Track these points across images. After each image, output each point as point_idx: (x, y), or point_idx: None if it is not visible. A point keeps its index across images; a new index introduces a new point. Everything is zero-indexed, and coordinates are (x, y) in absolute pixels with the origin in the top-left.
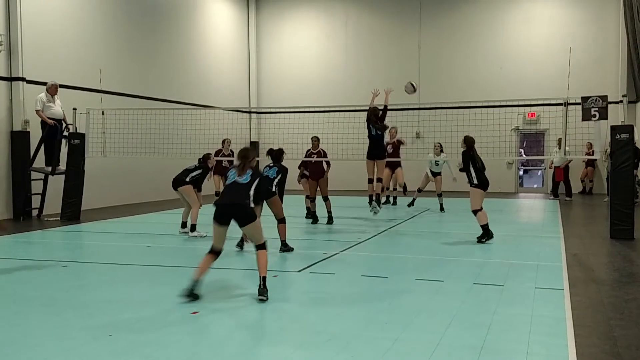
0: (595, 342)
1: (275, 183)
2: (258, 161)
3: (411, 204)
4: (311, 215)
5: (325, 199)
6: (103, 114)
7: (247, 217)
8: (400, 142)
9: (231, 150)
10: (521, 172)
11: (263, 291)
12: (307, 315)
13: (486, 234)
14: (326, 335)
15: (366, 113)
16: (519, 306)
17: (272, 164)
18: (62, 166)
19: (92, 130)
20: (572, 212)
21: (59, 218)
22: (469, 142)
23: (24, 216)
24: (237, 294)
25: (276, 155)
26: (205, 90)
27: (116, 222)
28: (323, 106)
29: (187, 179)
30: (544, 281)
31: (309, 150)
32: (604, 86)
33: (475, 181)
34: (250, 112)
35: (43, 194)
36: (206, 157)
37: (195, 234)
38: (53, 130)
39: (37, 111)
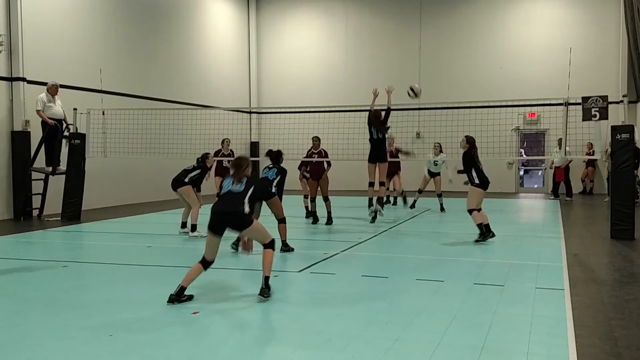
0: (596, 342)
1: (274, 184)
2: (257, 167)
3: (412, 206)
4: (311, 215)
5: (326, 199)
6: (103, 114)
7: (243, 224)
8: (398, 151)
9: (231, 150)
10: (521, 172)
11: (264, 291)
12: (307, 315)
13: (484, 233)
14: (326, 335)
15: (367, 114)
16: (519, 306)
17: (271, 165)
18: (63, 166)
19: (93, 131)
20: (572, 212)
21: (59, 218)
22: (471, 141)
23: (24, 216)
24: (237, 294)
25: (275, 156)
26: (205, 91)
27: (116, 222)
28: (323, 106)
29: (186, 180)
30: (545, 281)
31: (310, 150)
32: (605, 86)
33: (476, 181)
34: (250, 112)
35: (43, 194)
36: (204, 156)
37: (195, 234)
38: (53, 130)
39: (38, 111)
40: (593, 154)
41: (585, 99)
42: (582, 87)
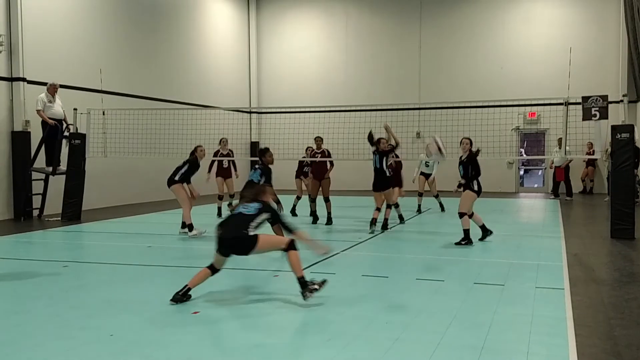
0: (596, 342)
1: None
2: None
3: (419, 210)
4: (311, 214)
5: (327, 200)
6: (104, 114)
7: (247, 248)
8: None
9: (230, 150)
10: (522, 172)
11: (303, 293)
12: (307, 315)
13: (465, 238)
14: (326, 335)
15: (370, 139)
16: (519, 306)
17: (256, 166)
18: (63, 166)
19: (93, 131)
20: (572, 211)
21: (59, 218)
22: (471, 143)
23: (24, 216)
24: (237, 294)
25: (260, 152)
26: (205, 91)
27: (117, 222)
28: (323, 106)
29: (177, 177)
30: (545, 281)
31: (312, 150)
32: (605, 86)
33: (475, 187)
34: (250, 112)
35: (44, 194)
36: (194, 150)
37: (194, 232)
38: (54, 130)
39: (38, 111)
40: (593, 154)
41: (585, 99)
42: (582, 86)
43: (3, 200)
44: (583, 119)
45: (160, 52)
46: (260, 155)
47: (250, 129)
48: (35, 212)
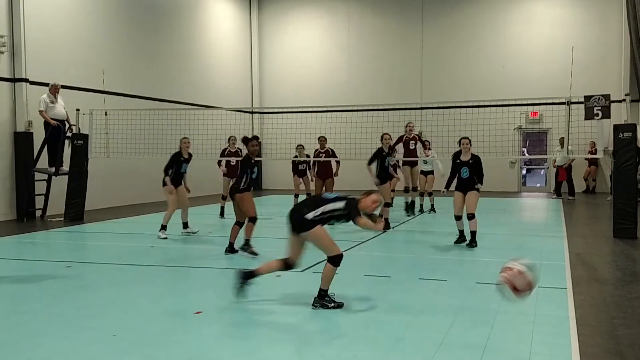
0: (599, 342)
1: (244, 180)
2: (260, 168)
3: (421, 210)
4: None
5: None
6: (106, 114)
7: (300, 226)
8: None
9: (238, 149)
10: (524, 172)
11: (316, 301)
12: (309, 315)
13: (474, 239)
14: (328, 334)
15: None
16: (521, 305)
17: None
18: (66, 167)
19: (95, 131)
20: (575, 211)
21: (62, 218)
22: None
23: (27, 217)
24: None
25: (244, 140)
26: (207, 91)
27: (119, 223)
28: (325, 106)
29: (165, 178)
30: (547, 280)
31: (316, 150)
32: (607, 85)
33: (480, 188)
34: (252, 112)
35: (46, 195)
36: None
37: (160, 233)
38: (56, 131)
39: (41, 112)
40: (595, 153)
41: (587, 98)
42: (585, 86)
43: (6, 200)
44: (585, 118)
45: (163, 52)
46: (244, 143)
47: (253, 129)
48: (38, 213)
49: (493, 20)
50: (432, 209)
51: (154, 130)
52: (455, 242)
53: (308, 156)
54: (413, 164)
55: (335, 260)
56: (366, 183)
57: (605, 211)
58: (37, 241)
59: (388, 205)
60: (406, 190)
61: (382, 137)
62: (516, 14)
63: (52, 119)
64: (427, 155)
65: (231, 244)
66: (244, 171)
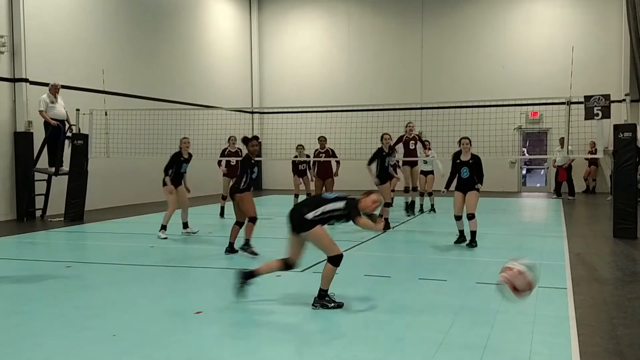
0: (599, 341)
1: (244, 180)
2: (260, 168)
3: (421, 210)
4: None
5: None
6: (106, 114)
7: (299, 226)
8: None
9: (238, 149)
10: (524, 172)
11: (315, 301)
12: (308, 315)
13: (474, 240)
14: (328, 334)
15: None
16: (521, 305)
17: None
18: (66, 167)
19: (95, 131)
20: (575, 211)
21: (62, 218)
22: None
23: (27, 217)
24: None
25: (244, 140)
26: (207, 91)
27: (119, 223)
28: (325, 106)
29: (165, 178)
30: (547, 280)
31: (316, 150)
32: (607, 85)
33: (480, 188)
34: (252, 112)
35: (46, 195)
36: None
37: (159, 233)
38: (56, 131)
39: (41, 112)
40: (595, 153)
41: (587, 98)
42: (585, 86)
43: (6, 201)
44: (585, 118)
45: (162, 52)
46: (244, 143)
47: (252, 129)
48: (38, 213)
49: (493, 20)
50: (432, 209)
51: (154, 131)
52: (455, 242)
53: (308, 156)
54: (413, 164)
55: (335, 260)
56: (366, 183)
57: (605, 211)
58: (37, 241)
59: (388, 205)
60: (406, 190)
61: (382, 137)
62: (516, 14)
63: (52, 119)
64: (427, 155)
65: (231, 244)
66: (244, 171)
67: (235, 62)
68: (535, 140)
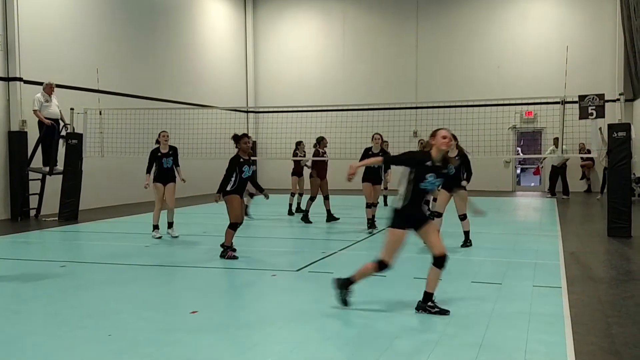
0: (593, 340)
1: (233, 181)
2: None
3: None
4: (305, 214)
5: (326, 198)
6: (100, 113)
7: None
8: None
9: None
10: (518, 171)
11: (418, 304)
12: (306, 315)
13: (469, 240)
14: (325, 334)
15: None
16: (517, 304)
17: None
18: (60, 166)
19: (90, 130)
20: (569, 210)
21: (56, 218)
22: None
23: (21, 216)
24: (235, 294)
25: (235, 138)
26: (202, 90)
27: (114, 222)
28: (321, 105)
29: (146, 176)
30: (542, 279)
31: (321, 150)
32: (601, 84)
33: (466, 183)
34: (247, 112)
35: (41, 194)
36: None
37: (153, 233)
38: (50, 130)
39: (35, 111)
40: (589, 152)
41: (582, 98)
42: (579, 85)
43: (0, 200)
44: (580, 118)
45: (157, 51)
46: (235, 141)
47: (248, 128)
48: (32, 212)
49: (488, 19)
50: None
51: (148, 130)
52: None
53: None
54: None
55: (439, 262)
56: (360, 183)
57: (599, 210)
58: (31, 241)
59: (370, 206)
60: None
61: (372, 137)
62: (511, 13)
63: (47, 118)
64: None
65: (227, 247)
66: (232, 171)
67: (230, 61)
68: (529, 139)
